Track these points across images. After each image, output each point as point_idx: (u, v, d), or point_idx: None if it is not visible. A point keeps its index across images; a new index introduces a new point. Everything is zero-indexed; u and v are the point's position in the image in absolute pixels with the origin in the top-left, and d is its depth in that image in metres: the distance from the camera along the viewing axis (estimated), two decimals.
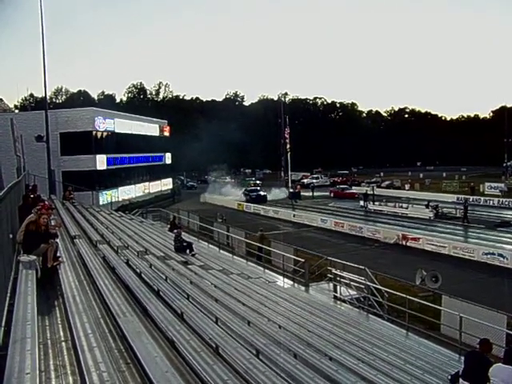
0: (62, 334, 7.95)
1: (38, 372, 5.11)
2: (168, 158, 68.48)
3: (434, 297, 17.72)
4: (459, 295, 16.07)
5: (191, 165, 75.44)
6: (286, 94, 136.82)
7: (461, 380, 8.63)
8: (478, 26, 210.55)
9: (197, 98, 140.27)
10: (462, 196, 52.52)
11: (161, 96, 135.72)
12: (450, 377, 8.95)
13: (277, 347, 8.86)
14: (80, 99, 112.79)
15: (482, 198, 50.96)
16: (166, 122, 69.83)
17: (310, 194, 68.35)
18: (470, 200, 50.73)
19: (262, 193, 65.49)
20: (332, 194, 67.00)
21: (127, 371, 6.77)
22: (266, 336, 9.55)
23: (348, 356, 9.49)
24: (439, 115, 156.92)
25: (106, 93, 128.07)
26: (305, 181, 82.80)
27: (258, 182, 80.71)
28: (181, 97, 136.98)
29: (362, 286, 17.52)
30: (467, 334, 12.78)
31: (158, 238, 22.10)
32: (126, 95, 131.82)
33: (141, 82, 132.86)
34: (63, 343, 7.53)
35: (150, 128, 62.08)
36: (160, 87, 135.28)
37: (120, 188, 50.50)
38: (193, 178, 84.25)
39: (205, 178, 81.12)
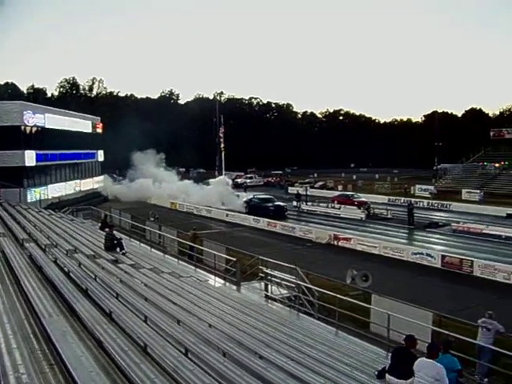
0: None
1: None
2: (100, 156, 67.12)
3: (364, 296, 18.06)
4: (389, 294, 16.46)
5: (125, 163, 74.06)
6: (221, 93, 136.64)
7: (387, 375, 8.87)
8: (412, 32, 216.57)
9: (131, 95, 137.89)
10: (404, 199, 54.45)
11: (94, 92, 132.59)
12: (376, 372, 9.18)
13: (206, 346, 8.81)
14: (7, 92, 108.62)
15: (413, 200, 52.44)
16: (99, 118, 68.44)
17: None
18: (401, 201, 52.44)
19: (280, 203, 49.41)
20: (336, 202, 52.09)
21: (50, 372, 6.58)
22: (195, 335, 9.48)
23: (278, 354, 9.52)
24: (373, 118, 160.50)
25: (35, 86, 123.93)
26: (239, 180, 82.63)
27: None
28: (115, 93, 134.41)
29: (293, 285, 17.68)
30: (395, 332, 13.08)
31: (89, 237, 21.68)
32: (58, 90, 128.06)
33: (73, 77, 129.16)
34: None
35: (82, 124, 60.67)
36: (93, 83, 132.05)
37: (50, 185, 49.13)
38: (125, 176, 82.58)
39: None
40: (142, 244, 25.44)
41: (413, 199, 52.82)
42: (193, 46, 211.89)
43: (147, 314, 10.20)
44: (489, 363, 12.54)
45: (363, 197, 55.02)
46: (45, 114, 49.27)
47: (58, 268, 13.26)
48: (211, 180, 63.46)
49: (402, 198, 56.10)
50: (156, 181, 63.03)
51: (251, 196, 52.46)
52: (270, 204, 47.72)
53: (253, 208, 47.64)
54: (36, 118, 46.72)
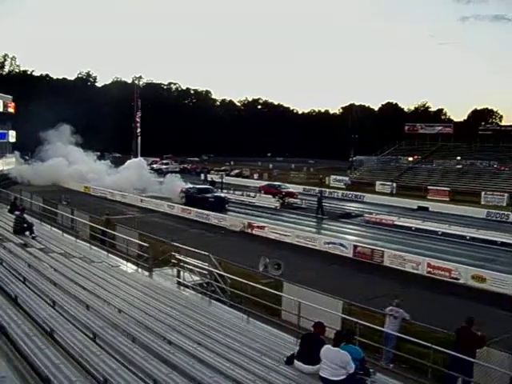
0: None
1: None
2: (12, 136, 64.28)
3: (276, 284, 18.34)
4: (301, 282, 16.74)
5: (39, 145, 71.40)
6: (140, 77, 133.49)
7: (295, 361, 9.15)
8: (333, 24, 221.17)
9: (47, 75, 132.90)
10: (318, 189, 53.74)
11: (6, 69, 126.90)
12: (285, 358, 9.43)
13: (115, 331, 8.80)
14: None
15: (328, 190, 53.42)
16: (10, 97, 65.25)
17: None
18: (316, 191, 53.43)
19: (220, 194, 46.68)
20: (263, 192, 51.30)
21: None
22: (104, 320, 9.44)
23: (187, 339, 9.63)
24: (291, 108, 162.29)
25: None
26: (154, 166, 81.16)
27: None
28: (29, 72, 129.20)
29: (206, 272, 17.75)
30: (306, 319, 13.40)
31: None
32: None
33: None
34: None
35: None
36: (5, 60, 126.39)
37: None
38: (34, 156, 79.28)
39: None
40: (53, 228, 24.73)
41: (327, 189, 53.86)
42: (112, 27, 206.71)
43: (55, 299, 10.05)
44: (394, 349, 13.12)
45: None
46: None
47: None
48: (124, 165, 60.55)
49: (317, 188, 57.04)
50: (69, 161, 59.45)
51: (188, 185, 48.05)
52: (209, 195, 43.82)
53: (190, 198, 43.59)
54: None
